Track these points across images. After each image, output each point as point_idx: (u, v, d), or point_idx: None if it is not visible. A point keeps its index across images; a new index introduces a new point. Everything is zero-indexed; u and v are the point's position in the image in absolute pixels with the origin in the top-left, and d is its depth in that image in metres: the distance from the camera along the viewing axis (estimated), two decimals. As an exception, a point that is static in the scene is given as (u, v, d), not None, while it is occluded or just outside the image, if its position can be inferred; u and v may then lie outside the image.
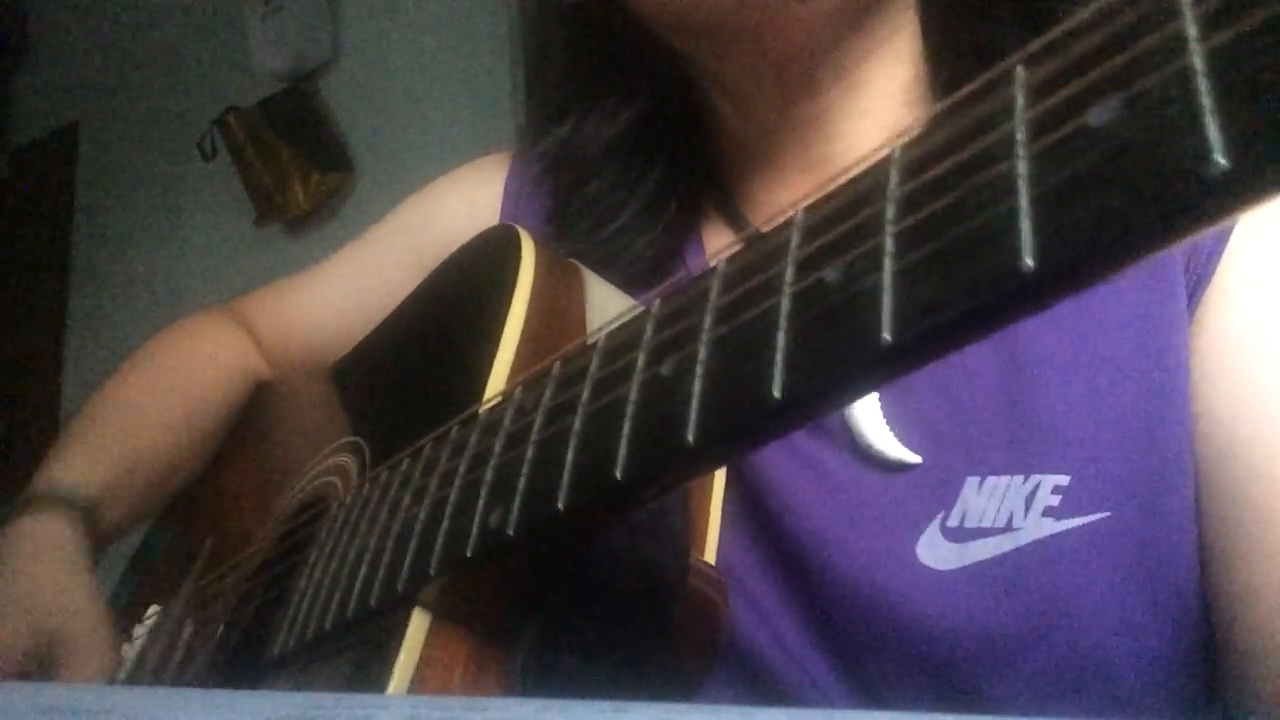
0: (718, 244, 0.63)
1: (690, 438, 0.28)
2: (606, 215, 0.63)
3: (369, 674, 0.41)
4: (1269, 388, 0.48)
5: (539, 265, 0.52)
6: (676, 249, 0.63)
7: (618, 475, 0.31)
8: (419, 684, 0.40)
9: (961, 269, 0.20)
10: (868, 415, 0.54)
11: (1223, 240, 0.51)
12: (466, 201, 0.74)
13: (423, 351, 0.61)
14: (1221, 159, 0.16)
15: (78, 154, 2.89)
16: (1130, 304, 0.51)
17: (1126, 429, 0.50)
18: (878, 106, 0.57)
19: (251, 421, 0.80)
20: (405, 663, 0.40)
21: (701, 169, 0.64)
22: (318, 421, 0.68)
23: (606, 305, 0.54)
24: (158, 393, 0.77)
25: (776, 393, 0.25)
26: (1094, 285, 0.18)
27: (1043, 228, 0.18)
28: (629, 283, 0.60)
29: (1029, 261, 0.18)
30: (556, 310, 0.52)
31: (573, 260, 0.56)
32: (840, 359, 0.23)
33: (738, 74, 0.58)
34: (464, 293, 0.58)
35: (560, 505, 0.34)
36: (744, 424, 0.27)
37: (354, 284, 0.79)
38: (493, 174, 0.74)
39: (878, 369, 0.23)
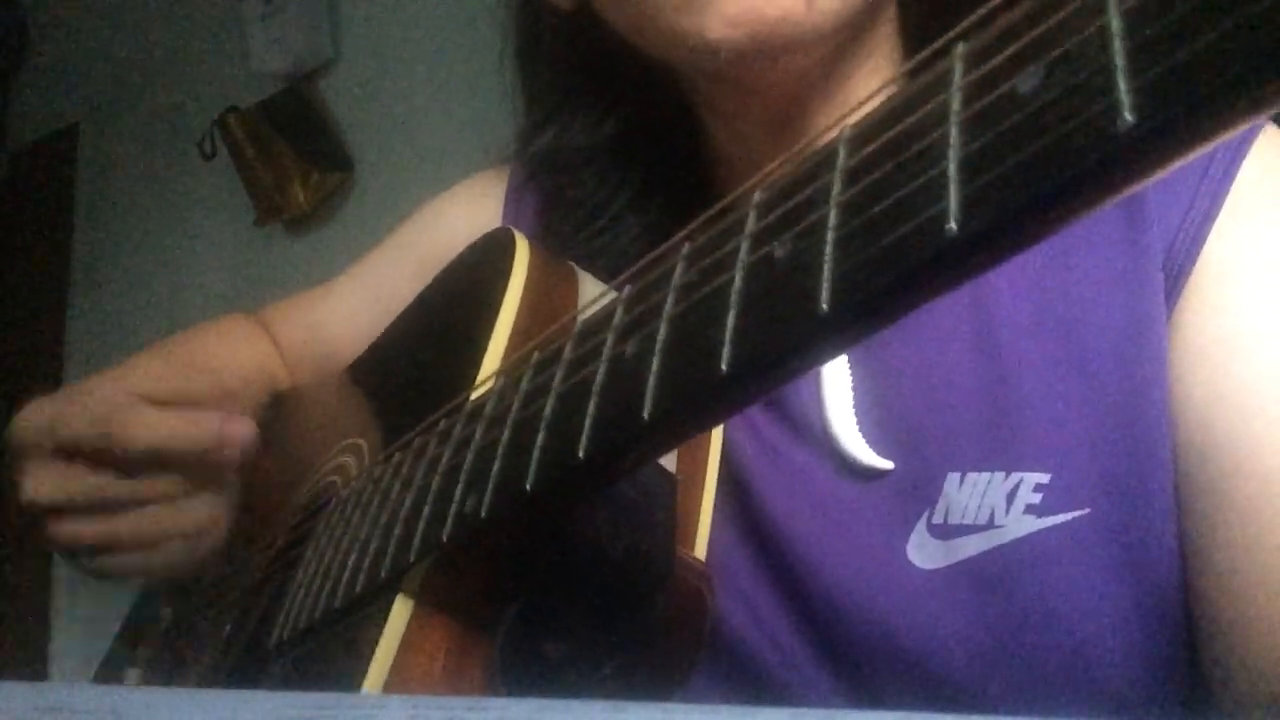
0: None
1: (646, 415, 0.28)
2: (591, 214, 0.64)
3: (353, 660, 0.42)
4: (1247, 382, 0.48)
5: (532, 265, 0.53)
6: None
7: (580, 454, 0.31)
8: (400, 670, 0.40)
9: (892, 236, 0.20)
10: (842, 421, 0.54)
11: (1201, 235, 0.50)
12: (469, 212, 0.75)
13: (421, 353, 0.61)
14: (1130, 116, 0.16)
15: (78, 154, 2.89)
16: (1109, 300, 0.51)
17: (1106, 425, 0.50)
18: None
19: (267, 428, 0.81)
20: (386, 648, 0.40)
21: (690, 171, 0.65)
22: (328, 426, 0.69)
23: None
24: (179, 365, 0.78)
25: (724, 366, 0.25)
26: (1018, 250, 0.19)
27: (966, 191, 0.19)
28: (615, 278, 0.61)
29: (952, 225, 0.19)
30: (549, 309, 0.52)
31: (568, 261, 0.56)
32: (784, 332, 0.23)
33: (730, 103, 0.60)
34: (460, 294, 0.59)
35: (528, 486, 0.34)
36: (696, 399, 0.27)
37: (364, 298, 0.80)
38: (493, 186, 0.75)
39: (820, 340, 0.23)
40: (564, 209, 0.65)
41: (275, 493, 0.71)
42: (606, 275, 0.61)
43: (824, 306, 0.22)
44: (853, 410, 0.54)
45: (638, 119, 0.64)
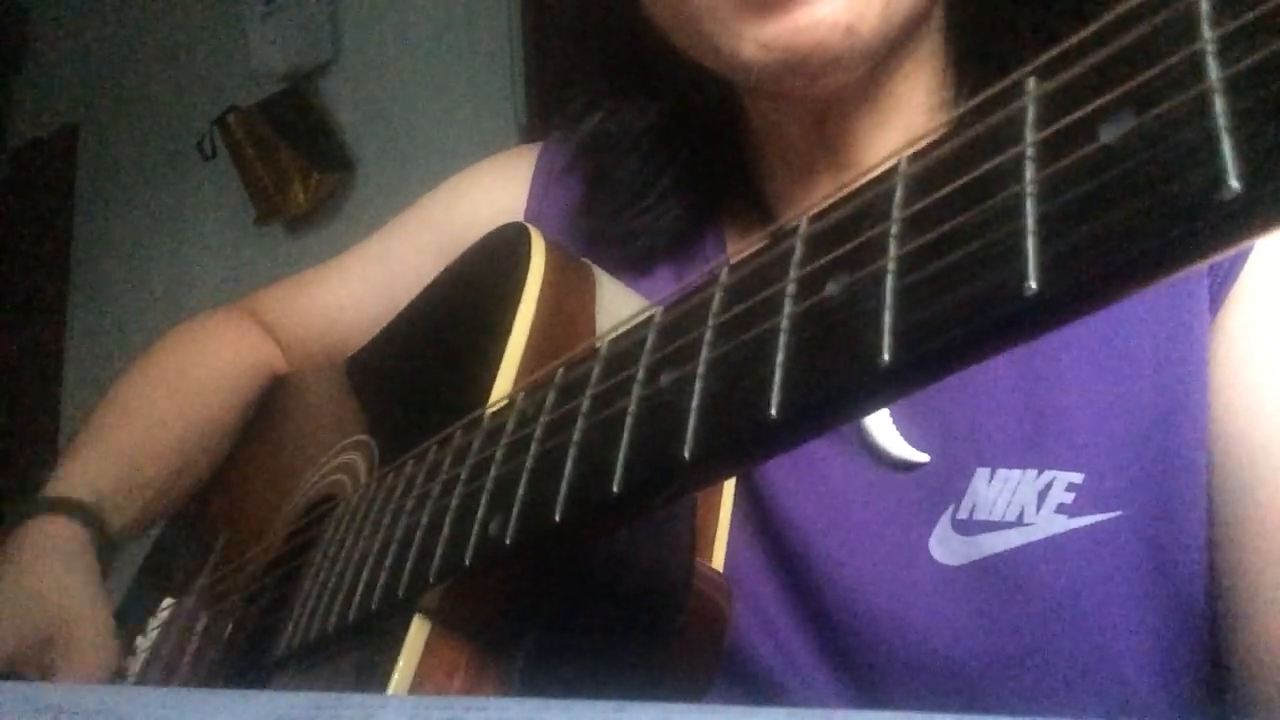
0: (739, 230, 0.65)
1: (687, 454, 0.27)
2: (634, 195, 0.64)
3: (369, 678, 0.41)
4: None
5: (549, 265, 0.52)
6: (698, 232, 0.65)
7: (615, 489, 0.31)
8: (417, 689, 0.40)
9: (964, 290, 0.19)
10: (875, 416, 0.53)
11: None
12: (493, 193, 0.74)
13: (432, 350, 0.60)
14: (1236, 184, 0.16)
15: (78, 154, 2.89)
16: (1151, 303, 0.51)
17: (1142, 428, 0.50)
18: (905, 118, 0.58)
19: (267, 416, 0.79)
20: (405, 669, 0.40)
21: (729, 159, 0.65)
22: (332, 416, 0.68)
23: (617, 306, 0.54)
24: (164, 394, 0.76)
25: (774, 412, 0.24)
26: (1099, 309, 0.18)
27: (1048, 250, 0.18)
28: (647, 260, 0.63)
29: (1032, 284, 0.18)
30: (565, 311, 0.51)
31: (585, 260, 0.56)
32: (839, 379, 0.23)
33: (770, 108, 0.60)
34: (473, 291, 0.58)
35: (557, 517, 0.34)
36: (741, 442, 0.26)
37: (375, 276, 0.79)
38: (519, 166, 0.74)
39: (877, 390, 0.22)
40: (607, 189, 0.66)
41: (276, 480, 0.70)
42: (645, 253, 0.63)
43: (885, 358, 0.21)
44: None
45: (684, 106, 0.65)
